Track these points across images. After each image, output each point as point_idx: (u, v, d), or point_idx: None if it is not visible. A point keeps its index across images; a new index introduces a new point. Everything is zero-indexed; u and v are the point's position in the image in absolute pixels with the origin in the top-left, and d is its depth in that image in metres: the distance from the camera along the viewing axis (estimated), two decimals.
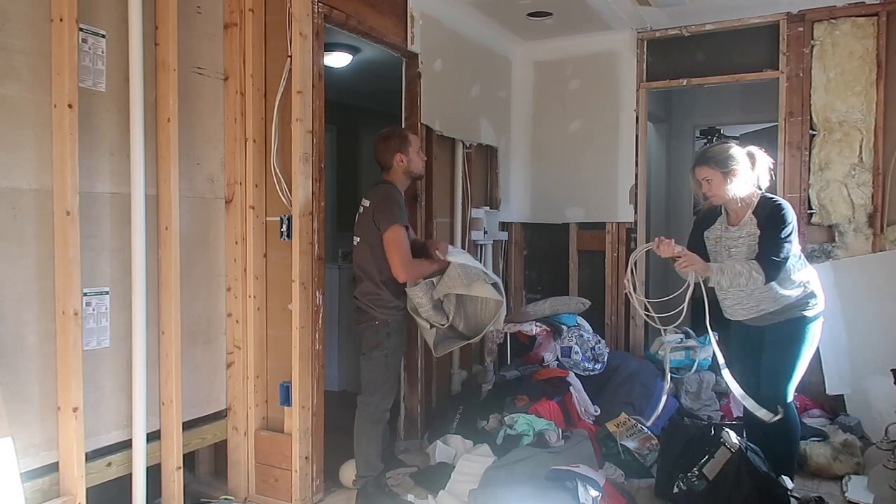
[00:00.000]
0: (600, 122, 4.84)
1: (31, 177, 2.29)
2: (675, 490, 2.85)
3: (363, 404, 3.06)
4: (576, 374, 3.93)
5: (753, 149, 2.91)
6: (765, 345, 2.93)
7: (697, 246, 3.04)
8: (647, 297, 4.78)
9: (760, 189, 2.91)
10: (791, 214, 2.81)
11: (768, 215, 2.82)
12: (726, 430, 2.84)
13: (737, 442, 2.77)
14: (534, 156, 5.10)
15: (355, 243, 3.08)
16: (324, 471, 3.15)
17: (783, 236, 2.75)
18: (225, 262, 3.06)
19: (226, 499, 3.07)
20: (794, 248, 2.82)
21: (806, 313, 2.86)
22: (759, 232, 2.83)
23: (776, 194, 4.23)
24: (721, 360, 2.97)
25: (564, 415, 3.60)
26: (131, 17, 2.52)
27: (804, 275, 2.88)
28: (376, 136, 3.15)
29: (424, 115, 3.88)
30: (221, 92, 3.01)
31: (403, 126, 3.83)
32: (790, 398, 2.92)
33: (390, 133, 3.13)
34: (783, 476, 2.84)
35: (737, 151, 2.85)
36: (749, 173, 2.85)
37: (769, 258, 2.75)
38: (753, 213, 2.86)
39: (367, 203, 3.04)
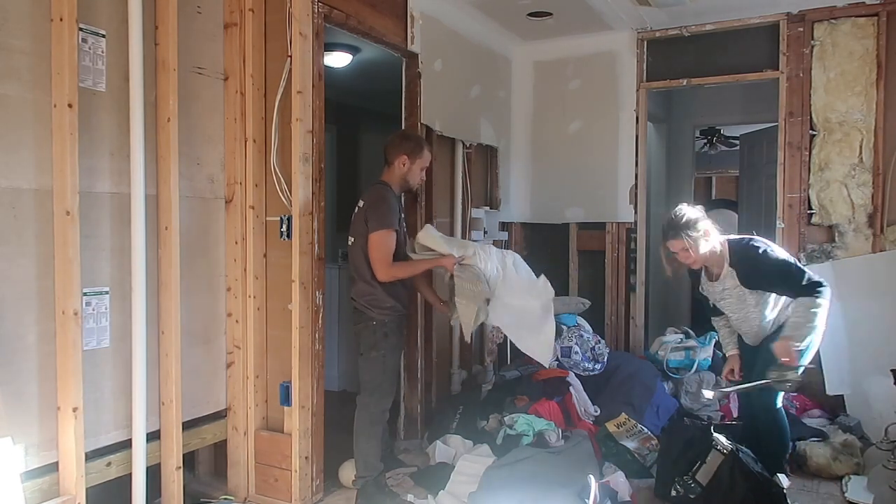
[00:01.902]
0: (600, 122, 4.83)
1: (31, 177, 2.29)
2: (673, 493, 2.85)
3: (362, 405, 3.06)
4: (576, 374, 3.93)
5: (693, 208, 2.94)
6: (759, 353, 2.99)
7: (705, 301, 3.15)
8: (646, 301, 4.82)
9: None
10: (770, 250, 2.84)
11: (750, 269, 2.84)
12: (715, 434, 2.84)
13: (728, 444, 2.77)
14: (534, 156, 5.09)
15: (350, 243, 3.08)
16: (324, 471, 3.15)
17: (788, 271, 2.78)
18: (225, 262, 3.06)
19: (226, 499, 3.07)
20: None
21: None
22: (742, 287, 2.86)
23: (776, 197, 4.28)
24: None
25: (564, 415, 3.60)
26: (131, 17, 2.52)
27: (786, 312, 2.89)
28: (396, 131, 3.21)
29: (424, 115, 3.87)
30: (221, 92, 3.01)
31: (403, 126, 3.84)
32: (779, 404, 2.97)
33: (409, 135, 3.18)
34: (778, 475, 2.85)
35: (695, 212, 2.86)
36: (713, 229, 2.86)
37: (798, 290, 2.76)
38: (730, 265, 2.88)
39: (361, 203, 3.04)
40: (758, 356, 2.99)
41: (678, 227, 2.83)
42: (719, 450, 2.77)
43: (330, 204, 4.65)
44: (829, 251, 4.16)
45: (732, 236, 2.98)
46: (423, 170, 3.14)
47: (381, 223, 2.92)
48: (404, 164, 3.06)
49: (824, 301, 2.70)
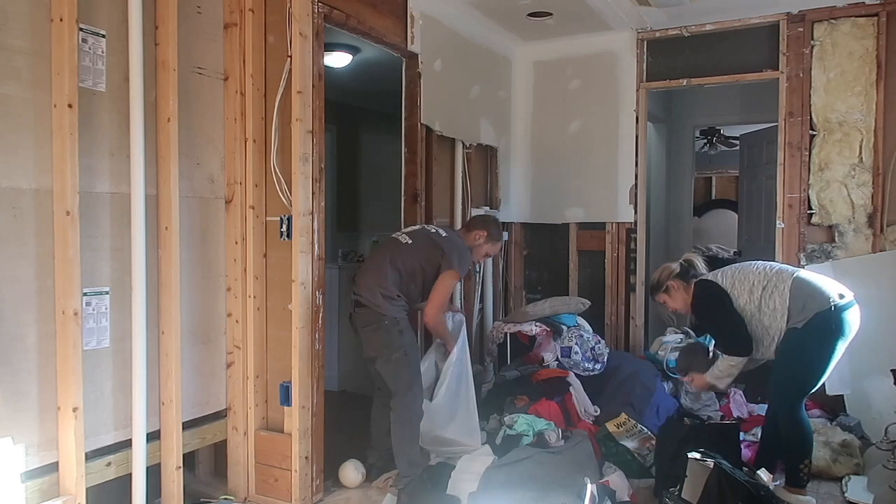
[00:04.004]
0: (600, 122, 4.83)
1: (31, 177, 2.29)
2: None
3: (398, 406, 3.08)
4: (576, 374, 3.93)
5: (689, 255, 3.26)
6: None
7: None
8: (646, 301, 4.82)
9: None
10: (704, 296, 3.05)
11: (693, 310, 3.17)
12: (689, 453, 2.81)
13: (708, 459, 2.73)
14: (534, 156, 5.09)
15: (405, 242, 3.19)
16: (324, 471, 3.15)
17: (708, 324, 3.21)
18: (225, 262, 3.06)
19: (225, 499, 3.07)
20: (747, 300, 2.95)
21: (796, 325, 2.87)
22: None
23: (776, 197, 4.29)
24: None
25: (564, 415, 3.60)
26: (131, 17, 2.52)
27: (775, 301, 2.92)
28: (492, 216, 3.88)
29: (424, 115, 3.88)
30: (221, 92, 3.01)
31: (404, 126, 3.86)
32: (798, 406, 2.94)
33: (497, 224, 3.54)
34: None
35: (667, 270, 3.22)
36: (683, 285, 3.16)
37: (717, 346, 3.18)
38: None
39: (442, 232, 3.29)
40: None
41: (651, 290, 3.33)
42: (702, 463, 2.73)
43: (330, 204, 4.66)
44: (829, 251, 4.16)
45: (704, 276, 3.12)
46: (486, 255, 3.51)
47: (462, 268, 3.17)
48: (479, 239, 3.37)
49: (728, 360, 3.03)
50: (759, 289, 2.93)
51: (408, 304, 3.17)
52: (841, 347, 2.88)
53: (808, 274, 2.98)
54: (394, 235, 3.32)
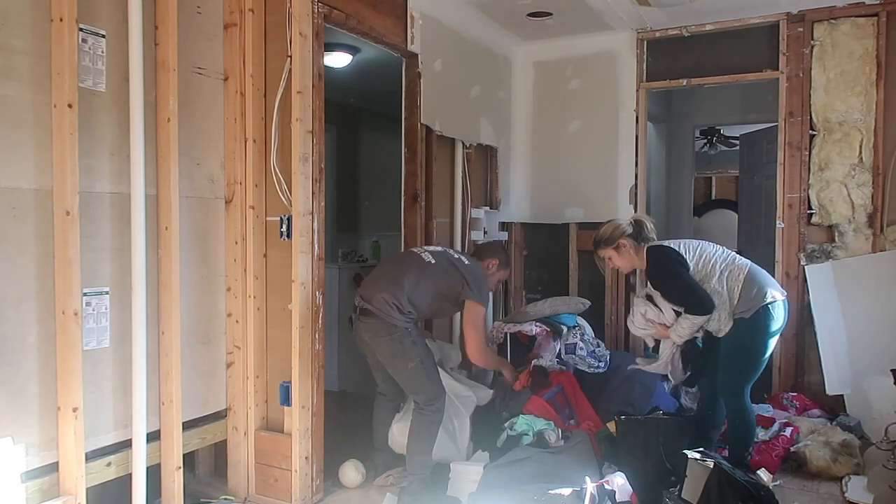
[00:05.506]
0: (600, 122, 4.84)
1: (30, 177, 2.29)
2: None
3: (421, 415, 3.06)
4: (581, 370, 3.92)
5: (637, 215, 3.32)
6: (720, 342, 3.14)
7: None
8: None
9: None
10: (662, 259, 3.07)
11: (648, 273, 3.17)
12: (687, 452, 2.79)
13: (708, 459, 2.73)
14: (534, 156, 5.09)
15: (428, 261, 3.13)
16: (324, 471, 3.15)
17: (668, 287, 3.10)
18: (225, 262, 3.06)
19: (226, 499, 3.07)
20: (702, 273, 3.02)
21: (744, 315, 2.99)
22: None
23: (776, 197, 4.29)
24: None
25: (563, 412, 3.59)
26: (131, 17, 2.52)
27: (730, 284, 3.01)
28: (497, 242, 3.96)
29: (424, 115, 3.88)
30: (221, 92, 3.01)
31: (404, 126, 3.87)
32: (742, 393, 3.07)
33: (504, 248, 3.65)
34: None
35: (620, 227, 3.19)
36: (633, 245, 3.17)
37: (680, 306, 3.10)
38: (645, 270, 3.21)
39: (465, 260, 3.22)
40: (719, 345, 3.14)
41: (598, 240, 3.26)
42: (702, 464, 2.73)
43: (330, 204, 4.65)
44: (829, 251, 4.16)
45: (659, 242, 3.17)
46: (499, 281, 3.54)
47: (484, 299, 3.13)
48: (492, 267, 3.39)
49: (693, 318, 3.04)
50: (718, 270, 3.02)
51: (418, 316, 3.12)
52: (777, 339, 3.06)
53: (759, 269, 3.09)
54: (414, 250, 3.29)
